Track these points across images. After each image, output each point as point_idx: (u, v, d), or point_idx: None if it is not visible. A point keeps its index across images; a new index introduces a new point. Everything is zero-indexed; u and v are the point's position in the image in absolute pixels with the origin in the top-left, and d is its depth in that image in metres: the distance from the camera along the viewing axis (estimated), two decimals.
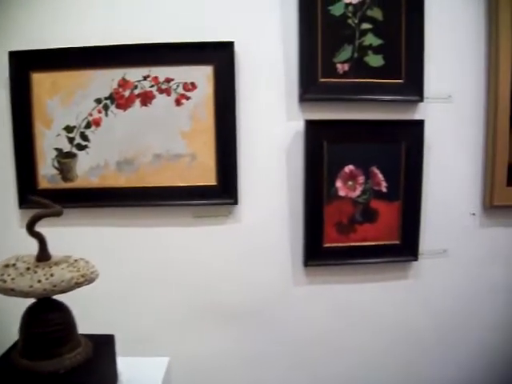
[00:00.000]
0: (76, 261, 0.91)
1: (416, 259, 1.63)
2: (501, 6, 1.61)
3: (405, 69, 1.60)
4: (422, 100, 1.57)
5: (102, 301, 1.53)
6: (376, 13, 1.59)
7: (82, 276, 0.90)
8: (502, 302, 1.76)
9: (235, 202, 1.53)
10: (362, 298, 1.70)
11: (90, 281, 0.89)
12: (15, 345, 0.97)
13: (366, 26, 1.59)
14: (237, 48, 1.52)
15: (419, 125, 1.58)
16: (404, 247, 1.65)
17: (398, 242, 1.66)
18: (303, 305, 1.60)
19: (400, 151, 1.58)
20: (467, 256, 1.72)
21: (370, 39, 1.59)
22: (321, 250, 1.59)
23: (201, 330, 1.56)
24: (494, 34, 1.62)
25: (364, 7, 1.57)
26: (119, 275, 1.56)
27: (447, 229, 1.71)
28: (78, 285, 0.91)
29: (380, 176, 1.60)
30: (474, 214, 1.71)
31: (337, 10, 1.56)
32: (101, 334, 0.99)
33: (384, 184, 1.61)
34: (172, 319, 1.54)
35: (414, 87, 1.59)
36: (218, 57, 1.53)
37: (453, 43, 1.64)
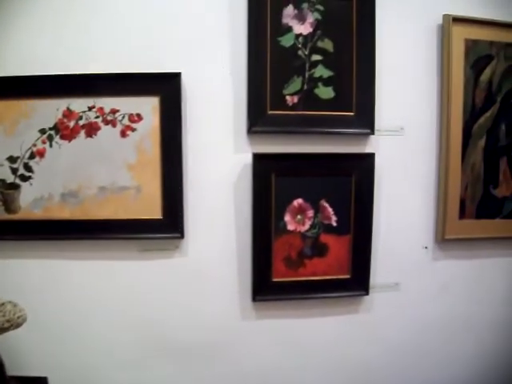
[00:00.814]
0: (3, 304, 0.92)
1: (367, 293, 1.70)
2: (453, 40, 1.73)
3: (356, 101, 1.66)
4: (372, 133, 1.63)
5: (41, 339, 1.57)
6: (327, 44, 1.65)
7: (8, 321, 0.92)
8: (454, 335, 1.87)
9: (181, 236, 1.58)
10: (313, 332, 1.76)
11: (17, 326, 0.88)
12: None
13: (316, 57, 1.64)
14: (184, 79, 1.57)
15: (369, 158, 1.65)
16: (354, 281, 1.71)
17: (348, 277, 1.72)
18: (252, 340, 1.64)
19: (350, 184, 1.65)
20: (419, 289, 1.81)
21: (321, 71, 1.65)
22: (269, 284, 1.64)
23: (148, 367, 1.65)
24: (446, 67, 1.70)
25: (314, 38, 1.63)
26: (62, 311, 1.61)
27: (399, 262, 1.78)
28: (3, 330, 0.90)
29: (330, 210, 1.67)
30: (426, 248, 1.79)
31: (287, 41, 1.63)
32: (33, 377, 0.99)
33: (334, 218, 1.67)
34: (119, 357, 1.57)
35: (364, 120, 1.65)
36: (165, 88, 1.57)
37: (405, 76, 1.73)
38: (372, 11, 1.65)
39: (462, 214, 1.76)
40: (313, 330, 1.75)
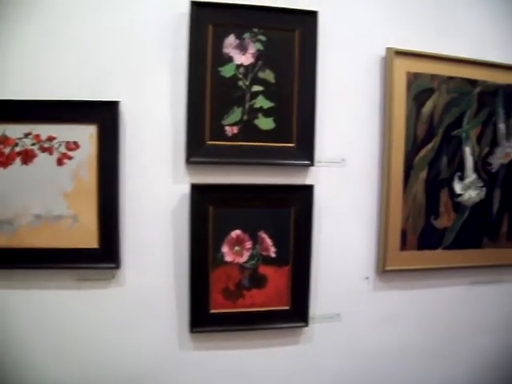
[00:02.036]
0: None
1: (306, 325, 1.82)
2: (395, 73, 1.88)
3: (296, 132, 1.77)
4: (312, 164, 1.76)
5: None
6: (268, 75, 1.75)
7: None
8: (395, 365, 2.00)
9: (117, 267, 1.66)
10: (252, 364, 1.85)
11: None
12: None
13: (257, 88, 1.74)
14: (123, 108, 1.66)
15: (309, 189, 1.77)
16: (294, 313, 1.82)
17: (287, 308, 1.82)
18: (190, 371, 1.70)
19: (289, 216, 1.77)
20: (361, 320, 1.93)
21: (261, 102, 1.75)
22: (207, 316, 1.74)
23: None
24: (388, 100, 1.85)
25: (256, 69, 1.73)
26: None
27: (341, 293, 1.89)
28: None
29: (268, 241, 1.77)
30: (367, 278, 1.89)
31: (227, 71, 1.73)
32: None
33: (273, 249, 1.77)
34: None
35: (305, 151, 1.77)
36: (103, 116, 1.65)
37: (348, 107, 1.87)
38: (314, 42, 1.76)
39: (404, 245, 1.87)
40: (252, 362, 1.84)
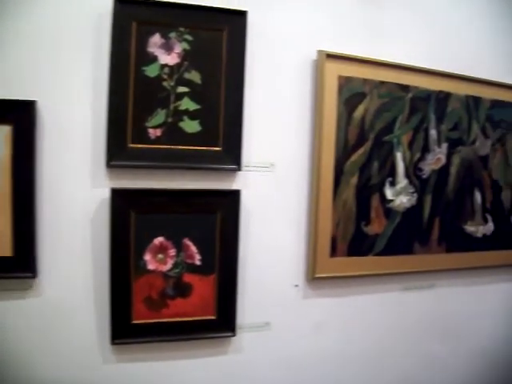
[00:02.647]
0: None
1: (233, 334, 1.81)
2: (326, 77, 1.90)
3: (223, 136, 1.75)
4: (239, 169, 1.75)
5: None
6: (194, 76, 1.73)
7: None
8: (327, 373, 2.01)
9: (34, 276, 1.61)
10: (178, 377, 1.83)
11: None
12: None
13: (182, 89, 1.71)
14: (41, 108, 1.61)
15: (235, 195, 1.75)
16: (220, 322, 1.81)
17: (213, 317, 1.81)
18: None
19: (215, 222, 1.75)
20: (291, 328, 1.93)
21: (187, 103, 1.72)
22: (129, 326, 1.70)
23: None
24: (318, 103, 1.86)
25: (181, 69, 1.70)
26: None
27: (270, 301, 1.89)
28: None
29: (193, 248, 1.75)
30: (297, 286, 1.90)
31: (152, 71, 1.69)
32: None
33: (198, 257, 1.76)
34: None
35: (232, 155, 1.75)
36: (18, 116, 1.58)
37: (277, 110, 1.87)
38: (243, 43, 1.74)
39: (334, 252, 1.89)
40: (179, 374, 1.82)
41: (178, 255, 1.74)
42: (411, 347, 2.20)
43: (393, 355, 2.16)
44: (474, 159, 2.22)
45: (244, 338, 1.87)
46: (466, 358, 2.41)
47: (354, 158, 1.81)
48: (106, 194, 1.68)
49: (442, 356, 2.30)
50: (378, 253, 1.88)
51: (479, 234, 2.30)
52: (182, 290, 1.77)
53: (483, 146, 2.21)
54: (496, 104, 2.25)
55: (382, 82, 1.90)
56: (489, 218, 2.34)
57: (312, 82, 1.81)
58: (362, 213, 1.84)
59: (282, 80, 1.73)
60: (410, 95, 1.97)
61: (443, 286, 2.25)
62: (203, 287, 1.78)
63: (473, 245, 2.28)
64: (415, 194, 2.02)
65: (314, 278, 1.75)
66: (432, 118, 2.03)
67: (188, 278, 1.77)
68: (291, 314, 1.80)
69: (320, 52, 1.72)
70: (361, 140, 1.81)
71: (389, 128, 1.94)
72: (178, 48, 1.71)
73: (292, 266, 1.80)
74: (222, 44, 1.74)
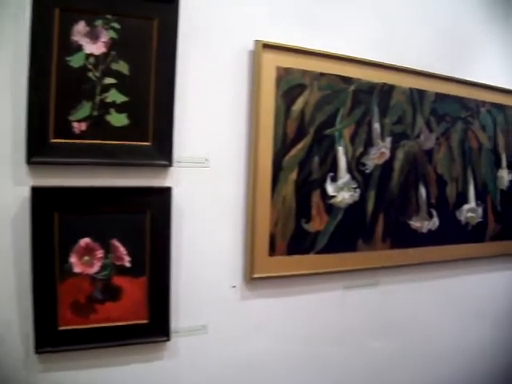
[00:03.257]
0: None
1: (168, 339, 1.77)
2: (264, 68, 1.86)
3: (153, 130, 1.69)
4: (171, 165, 1.70)
5: None
6: (122, 66, 1.66)
7: None
8: (267, 375, 1.99)
9: None
10: None
11: None
12: None
13: (109, 80, 1.65)
14: None
15: (166, 192, 1.69)
16: (153, 326, 1.76)
17: (146, 322, 1.75)
18: None
19: (145, 222, 1.70)
20: (229, 330, 1.90)
21: (114, 96, 1.66)
22: (55, 333, 1.64)
23: None
24: (256, 96, 1.83)
25: (108, 60, 1.64)
26: None
27: (206, 303, 1.85)
28: None
29: (122, 249, 1.70)
30: (234, 287, 1.87)
31: (76, 61, 1.60)
32: None
33: (127, 258, 1.70)
34: None
35: (162, 150, 1.70)
36: None
37: (212, 103, 1.82)
38: (174, 33, 1.69)
39: (273, 251, 1.87)
40: (111, 382, 1.76)
41: (106, 257, 1.66)
42: (355, 346, 2.21)
43: (336, 355, 2.16)
44: (418, 153, 2.23)
45: (180, 342, 1.83)
46: (412, 356, 2.45)
47: (293, 152, 1.78)
48: (27, 193, 1.58)
49: (387, 354, 2.32)
50: (320, 251, 1.87)
51: (424, 230, 2.32)
52: (112, 294, 1.70)
53: (428, 140, 2.21)
54: (440, 98, 2.27)
55: (323, 74, 1.86)
56: (434, 213, 2.37)
57: (249, 73, 1.74)
58: (303, 209, 1.83)
59: (217, 71, 1.70)
60: (352, 87, 1.95)
61: (388, 283, 2.27)
62: (134, 290, 1.72)
63: (418, 240, 2.30)
64: (358, 190, 1.99)
65: (252, 278, 1.72)
66: (375, 111, 2.00)
67: (117, 280, 1.70)
68: (229, 316, 1.76)
69: (257, 42, 1.68)
70: (300, 134, 1.79)
71: (330, 121, 1.88)
72: (105, 37, 1.63)
73: (229, 266, 1.76)
74: (153, 33, 1.68)
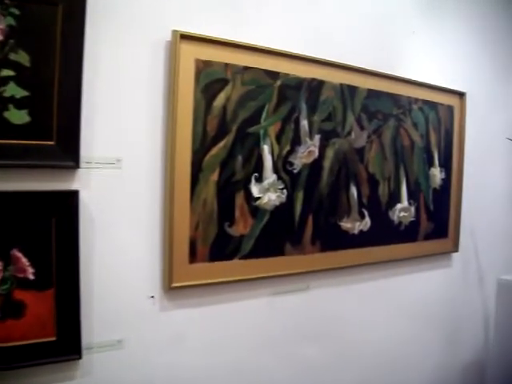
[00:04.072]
0: None
1: (79, 357, 1.64)
2: (181, 60, 1.76)
3: (57, 128, 1.57)
4: (78, 166, 1.58)
5: None
6: (22, 57, 1.52)
7: None
8: None
9: None
10: None
11: None
12: None
13: (7, 72, 1.50)
14: None
15: (72, 196, 1.57)
16: (62, 344, 1.64)
17: (54, 339, 1.62)
18: None
19: (50, 229, 1.58)
20: (147, 345, 1.78)
21: (13, 90, 1.52)
22: None
23: None
24: (172, 90, 1.74)
25: (6, 49, 1.50)
26: None
27: (122, 316, 1.73)
28: None
29: (24, 260, 1.57)
30: (152, 297, 1.77)
31: None
32: None
33: (30, 270, 1.58)
34: None
35: (68, 150, 1.57)
36: None
37: (125, 98, 1.70)
38: (82, 20, 1.58)
39: (193, 257, 1.78)
40: None
41: (5, 269, 1.53)
42: (287, 354, 2.14)
43: (267, 364, 2.07)
44: (349, 152, 2.21)
45: (93, 360, 1.70)
46: (346, 360, 2.41)
47: (214, 151, 1.68)
48: None
49: (320, 360, 2.28)
50: (245, 256, 1.78)
51: (356, 231, 2.30)
52: (13, 310, 1.56)
53: (359, 138, 2.16)
54: (372, 94, 2.24)
55: (247, 68, 1.75)
56: (365, 213, 2.34)
57: (165, 66, 1.63)
58: (225, 212, 1.73)
59: (130, 63, 1.57)
60: (278, 82, 1.86)
61: (318, 287, 2.22)
62: (39, 305, 1.59)
63: (349, 242, 2.27)
64: (285, 191, 1.91)
65: (171, 287, 1.61)
66: (303, 107, 1.92)
67: (20, 294, 1.57)
68: (147, 329, 1.65)
69: (174, 32, 1.57)
70: (222, 132, 1.69)
71: (254, 118, 1.77)
72: (2, 23, 1.48)
73: (146, 275, 1.64)
74: (57, 21, 1.55)
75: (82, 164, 1.59)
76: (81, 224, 1.59)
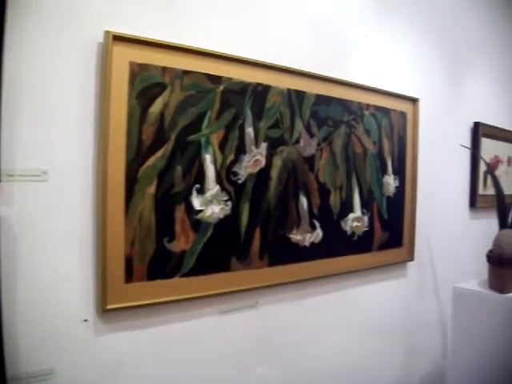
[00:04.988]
0: None
1: None
2: (114, 63, 1.68)
3: None
4: None
5: None
6: None
7: None
8: None
9: None
10: None
11: None
12: None
13: None
14: None
15: None
16: None
17: None
18: None
19: None
20: (82, 372, 1.65)
21: None
22: None
23: None
24: (104, 96, 1.65)
25: None
26: None
27: (52, 343, 1.61)
28: None
29: None
30: (86, 321, 1.66)
31: None
32: None
33: None
34: None
35: None
36: None
37: (53, 104, 1.59)
38: (1, 17, 1.44)
39: (130, 277, 1.68)
40: None
41: None
42: (237, 375, 2.05)
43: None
44: (298, 160, 2.15)
45: None
46: (301, 377, 2.34)
47: (150, 162, 1.61)
48: None
49: (273, 379, 2.20)
50: (187, 273, 1.72)
51: (306, 243, 2.24)
52: None
53: (308, 146, 2.11)
54: (322, 100, 2.20)
55: (187, 72, 1.65)
56: (317, 224, 2.28)
57: (97, 69, 1.55)
58: (164, 227, 1.67)
59: (59, 66, 1.49)
60: (221, 87, 1.77)
61: (268, 303, 2.14)
62: None
63: (300, 255, 2.20)
64: (229, 202, 1.81)
65: (106, 309, 1.53)
66: (248, 113, 1.83)
67: None
68: (81, 356, 1.56)
69: (107, 33, 1.50)
70: (159, 140, 1.63)
71: (195, 126, 1.71)
72: None
73: (79, 297, 1.55)
74: None
75: (3, 177, 1.47)
76: (1, 243, 1.46)
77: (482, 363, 2.39)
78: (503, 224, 2.46)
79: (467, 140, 3.26)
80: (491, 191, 2.50)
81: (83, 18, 1.60)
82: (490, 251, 2.38)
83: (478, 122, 3.04)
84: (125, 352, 1.69)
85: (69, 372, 1.63)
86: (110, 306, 1.60)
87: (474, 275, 2.62)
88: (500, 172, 3.50)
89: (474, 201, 3.07)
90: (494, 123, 3.45)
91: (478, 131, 3.04)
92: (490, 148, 3.40)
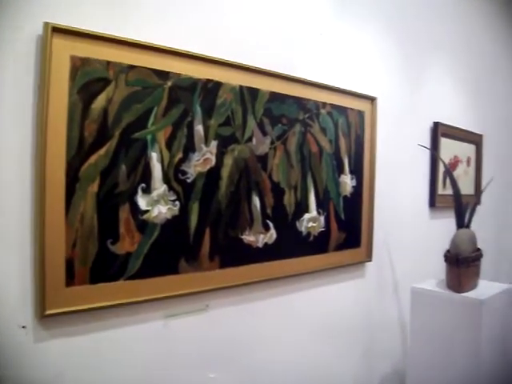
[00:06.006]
0: None
1: None
2: (54, 56, 1.63)
3: None
4: None
5: None
6: None
7: None
8: None
9: None
10: None
11: None
12: None
13: None
14: None
15: None
16: None
17: None
18: None
19: None
20: (21, 381, 1.59)
21: None
22: None
23: None
24: (43, 90, 1.60)
25: None
26: None
27: None
28: None
29: None
30: (24, 327, 1.60)
31: None
32: None
33: None
34: None
35: None
36: None
37: None
38: None
39: (71, 280, 1.64)
40: None
41: None
42: (186, 381, 2.01)
43: None
44: (250, 159, 2.14)
45: None
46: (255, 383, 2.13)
47: (93, 160, 1.57)
48: None
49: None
50: (132, 276, 1.68)
51: (260, 244, 2.22)
52: None
53: (261, 144, 2.11)
54: (276, 97, 2.22)
55: (132, 67, 1.62)
56: (270, 225, 2.27)
57: (36, 63, 1.58)
58: (108, 228, 1.62)
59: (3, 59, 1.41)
60: (169, 83, 1.76)
61: (220, 306, 2.11)
62: None
63: (253, 256, 2.18)
64: (177, 202, 1.82)
65: (45, 315, 1.48)
66: (198, 110, 1.83)
67: None
68: (20, 365, 1.49)
69: (46, 24, 1.45)
70: (102, 138, 1.58)
71: (141, 123, 1.67)
72: None
73: (16, 301, 1.50)
74: None
75: None
76: None
77: (441, 362, 2.44)
78: (460, 224, 2.48)
79: (427, 140, 3.28)
80: (451, 191, 2.50)
81: (21, 8, 1.55)
82: (448, 251, 2.40)
83: (438, 122, 3.05)
84: (66, 360, 1.65)
85: (7, 380, 1.55)
86: (49, 311, 1.56)
87: (434, 275, 2.64)
88: (459, 172, 3.53)
89: (434, 200, 3.09)
90: (454, 123, 3.46)
91: (438, 131, 3.06)
92: (449, 148, 3.43)
